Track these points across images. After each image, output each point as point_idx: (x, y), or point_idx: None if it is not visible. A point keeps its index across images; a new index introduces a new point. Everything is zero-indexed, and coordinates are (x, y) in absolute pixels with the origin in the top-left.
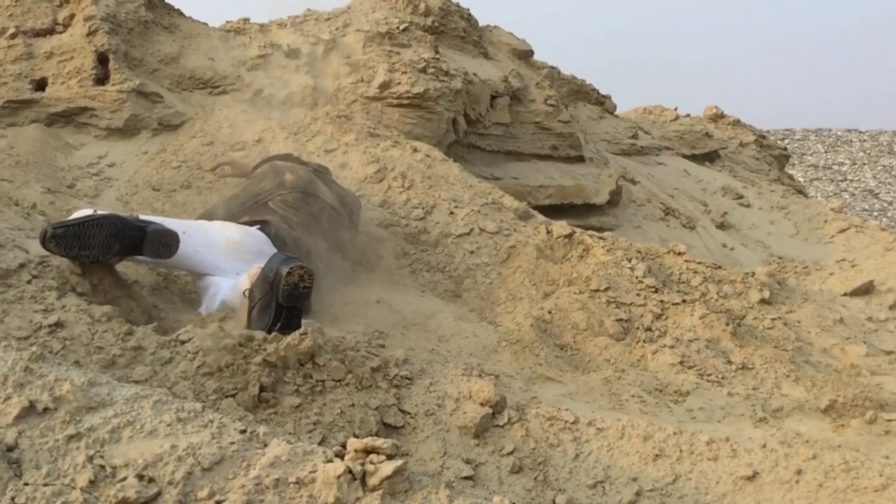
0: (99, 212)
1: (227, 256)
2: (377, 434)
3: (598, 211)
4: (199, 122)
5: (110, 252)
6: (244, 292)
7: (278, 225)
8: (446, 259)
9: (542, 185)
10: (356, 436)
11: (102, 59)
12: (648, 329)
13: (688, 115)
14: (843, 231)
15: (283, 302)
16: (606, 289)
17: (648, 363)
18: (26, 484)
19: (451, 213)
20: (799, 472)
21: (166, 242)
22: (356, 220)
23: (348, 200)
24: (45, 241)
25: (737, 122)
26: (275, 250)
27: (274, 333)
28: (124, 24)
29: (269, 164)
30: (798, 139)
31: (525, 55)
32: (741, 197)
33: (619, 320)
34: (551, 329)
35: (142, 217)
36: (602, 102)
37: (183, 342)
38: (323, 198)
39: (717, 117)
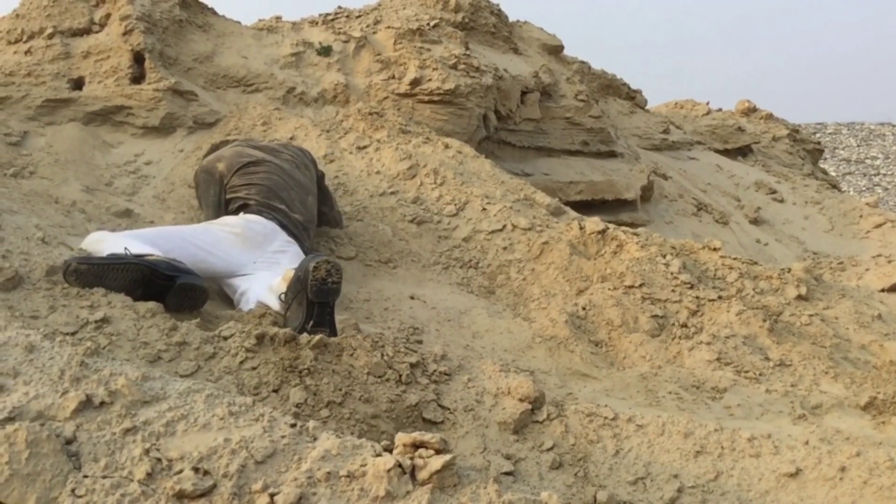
0: (130, 250)
1: (240, 249)
2: (416, 430)
3: (630, 207)
4: (234, 120)
5: (132, 295)
6: (280, 296)
7: (249, 203)
8: (479, 255)
9: (573, 180)
10: (396, 431)
11: (138, 59)
12: (684, 325)
13: (720, 110)
14: (878, 226)
15: (312, 298)
16: (641, 285)
17: (685, 360)
18: (85, 476)
19: (484, 209)
20: (843, 469)
21: (194, 296)
22: (303, 160)
23: (281, 149)
24: (65, 274)
25: (769, 116)
26: (275, 225)
27: (320, 336)
28: (159, 24)
29: (201, 172)
30: (830, 133)
31: (555, 50)
32: (775, 192)
33: (655, 317)
34: (586, 325)
35: (174, 261)
36: (633, 97)
37: (226, 338)
38: (259, 158)
39: (750, 111)
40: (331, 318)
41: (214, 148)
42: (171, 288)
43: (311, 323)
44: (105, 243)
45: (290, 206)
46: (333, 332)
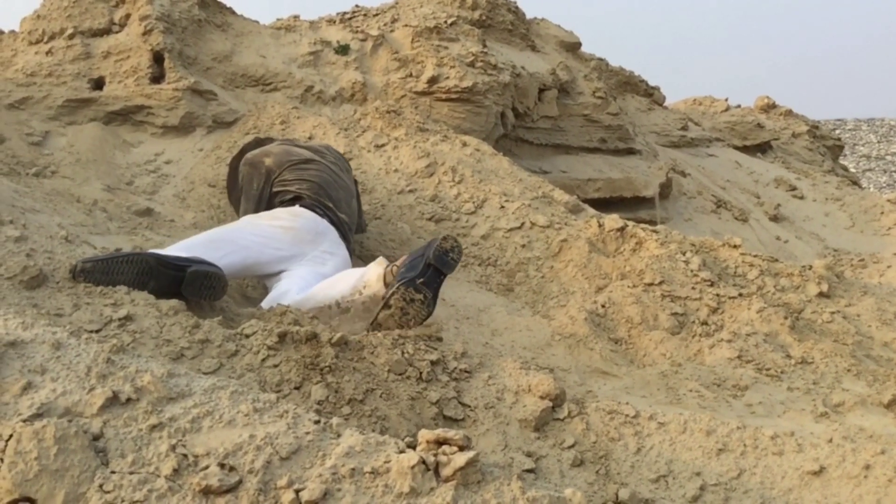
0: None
1: (289, 244)
2: (437, 427)
3: (648, 204)
4: (252, 119)
5: (144, 287)
6: (392, 269)
7: (302, 196)
8: (498, 253)
9: (591, 178)
10: (417, 428)
11: (158, 58)
12: (704, 323)
13: (738, 106)
14: None
15: (431, 261)
16: (661, 282)
17: (705, 357)
18: (113, 472)
19: (502, 206)
20: (867, 467)
21: (210, 285)
22: (344, 165)
23: (324, 150)
24: (74, 276)
25: (789, 113)
26: (327, 223)
27: (341, 334)
28: (178, 23)
29: (244, 164)
30: (850, 129)
31: (573, 47)
32: (794, 188)
33: (675, 314)
34: (605, 323)
35: (190, 257)
36: (651, 94)
37: (248, 335)
38: (307, 157)
39: (769, 107)
40: (437, 286)
41: (258, 143)
42: (184, 278)
43: (421, 280)
44: None
45: (337, 206)
46: (433, 302)
